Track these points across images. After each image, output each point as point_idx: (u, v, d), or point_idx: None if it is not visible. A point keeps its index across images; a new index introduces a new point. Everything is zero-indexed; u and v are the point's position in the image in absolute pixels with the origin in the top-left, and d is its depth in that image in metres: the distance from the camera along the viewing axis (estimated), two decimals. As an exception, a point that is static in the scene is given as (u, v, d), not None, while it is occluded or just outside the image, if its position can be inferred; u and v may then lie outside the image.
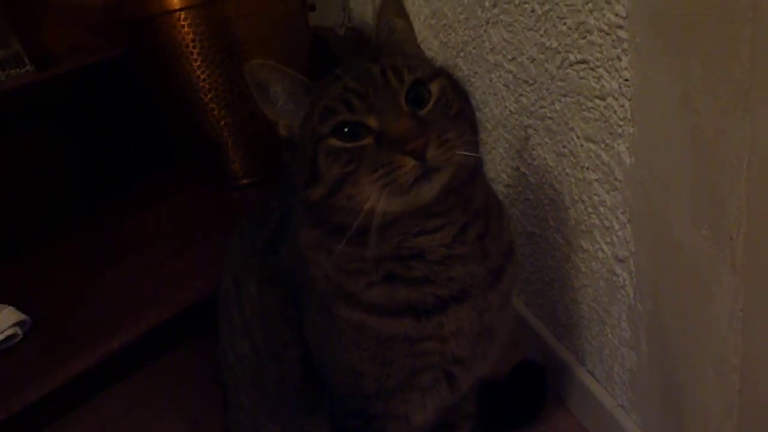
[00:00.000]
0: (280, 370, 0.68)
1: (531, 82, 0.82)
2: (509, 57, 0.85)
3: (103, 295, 1.05)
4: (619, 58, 0.63)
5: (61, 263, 1.17)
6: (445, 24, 1.01)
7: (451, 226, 0.57)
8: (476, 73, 0.96)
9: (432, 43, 1.07)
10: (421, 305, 0.59)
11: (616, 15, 0.62)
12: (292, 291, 0.64)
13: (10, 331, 0.92)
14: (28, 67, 1.38)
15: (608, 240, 0.75)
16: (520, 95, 0.85)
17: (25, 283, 1.10)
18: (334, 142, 0.53)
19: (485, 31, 0.89)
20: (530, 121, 0.85)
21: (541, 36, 0.77)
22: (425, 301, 0.59)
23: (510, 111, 0.89)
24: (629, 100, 0.64)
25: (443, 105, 0.55)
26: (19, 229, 1.21)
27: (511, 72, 0.86)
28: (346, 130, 0.53)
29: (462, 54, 0.98)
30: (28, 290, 1.05)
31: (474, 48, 0.94)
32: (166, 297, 1.02)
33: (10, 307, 0.96)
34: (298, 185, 0.56)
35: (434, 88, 0.55)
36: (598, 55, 0.67)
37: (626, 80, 0.63)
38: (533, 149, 0.86)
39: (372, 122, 0.52)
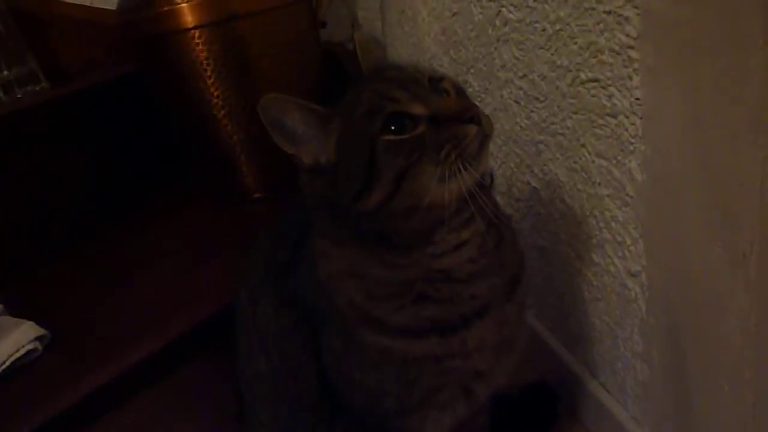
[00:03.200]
0: (296, 387, 0.69)
1: (542, 98, 0.83)
2: (520, 74, 0.87)
3: (119, 310, 1.06)
4: (630, 78, 0.65)
5: (76, 278, 1.18)
6: (455, 41, 1.03)
7: (475, 237, 0.60)
8: (487, 89, 0.97)
9: (442, 60, 1.09)
10: (447, 323, 0.61)
11: (627, 36, 0.63)
12: (307, 315, 0.66)
13: (30, 346, 0.93)
14: (43, 84, 1.40)
15: (620, 254, 0.76)
16: (531, 111, 0.86)
17: (42, 298, 1.11)
18: (391, 137, 0.55)
19: (496, 48, 0.91)
20: (541, 137, 0.86)
21: (552, 54, 0.78)
22: (451, 319, 0.61)
23: (521, 127, 0.90)
24: (641, 118, 0.65)
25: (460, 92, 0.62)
26: (35, 245, 1.23)
27: (521, 89, 0.87)
28: (393, 127, 0.55)
29: (473, 70, 1.00)
30: (45, 305, 1.06)
31: (485, 65, 0.96)
32: (181, 311, 1.03)
33: (30, 322, 0.97)
34: (348, 201, 0.57)
35: (447, 83, 0.61)
36: (609, 74, 0.68)
37: (637, 99, 0.65)
38: (545, 164, 0.87)
39: (419, 109, 0.55)
